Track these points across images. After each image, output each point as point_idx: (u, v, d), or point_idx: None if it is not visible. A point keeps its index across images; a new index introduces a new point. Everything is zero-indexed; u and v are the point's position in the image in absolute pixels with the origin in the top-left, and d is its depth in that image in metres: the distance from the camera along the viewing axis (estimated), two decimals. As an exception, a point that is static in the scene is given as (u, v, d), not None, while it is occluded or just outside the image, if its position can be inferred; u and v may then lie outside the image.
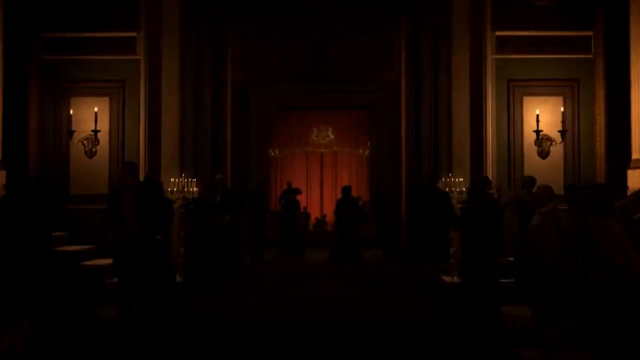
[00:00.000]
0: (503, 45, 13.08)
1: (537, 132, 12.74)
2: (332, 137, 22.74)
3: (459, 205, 12.07)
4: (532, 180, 10.23)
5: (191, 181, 12.46)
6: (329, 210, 21.99)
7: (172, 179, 12.21)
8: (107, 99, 13.01)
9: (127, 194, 9.74)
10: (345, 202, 15.35)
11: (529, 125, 12.99)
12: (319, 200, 23.91)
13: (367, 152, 22.47)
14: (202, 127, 13.32)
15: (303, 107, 21.94)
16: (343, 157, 23.62)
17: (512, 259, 10.62)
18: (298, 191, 17.99)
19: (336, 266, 14.47)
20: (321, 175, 23.79)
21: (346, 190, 15.58)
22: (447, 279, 11.90)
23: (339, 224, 15.59)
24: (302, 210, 20.28)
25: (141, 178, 11.63)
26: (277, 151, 22.63)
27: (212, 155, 13.34)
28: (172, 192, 12.06)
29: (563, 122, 12.78)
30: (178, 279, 11.55)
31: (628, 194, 9.88)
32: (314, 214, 23.49)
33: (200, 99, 13.35)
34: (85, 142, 12.89)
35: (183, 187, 12.32)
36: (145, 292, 9.62)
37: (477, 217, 9.41)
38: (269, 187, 22.25)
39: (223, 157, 13.53)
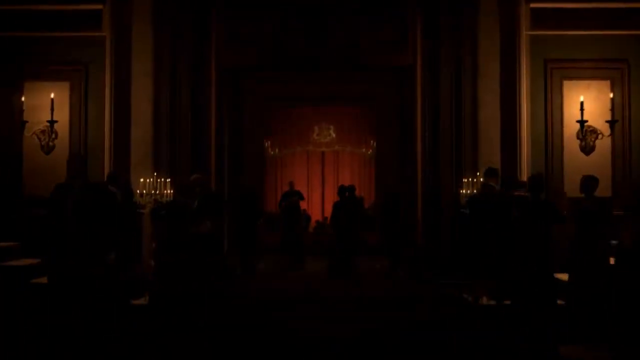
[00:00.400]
0: (539, 19, 10.53)
1: (582, 122, 10.05)
2: (334, 135, 21.08)
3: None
4: (592, 180, 7.54)
5: (165, 182, 9.76)
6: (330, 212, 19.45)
7: (141, 179, 9.52)
8: (66, 84, 10.57)
9: (71, 197, 7.06)
10: (343, 203, 12.70)
11: (570, 115, 10.45)
12: (320, 202, 21.94)
13: (369, 152, 20.63)
14: (181, 119, 10.62)
15: (301, 98, 19.62)
16: (345, 157, 21.82)
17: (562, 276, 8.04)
18: (300, 196, 15.66)
19: (335, 283, 11.72)
20: (322, 176, 21.94)
21: (343, 190, 12.99)
22: (472, 299, 9.27)
23: (336, 230, 12.87)
24: (302, 212, 17.84)
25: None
26: (276, 150, 20.92)
27: (192, 152, 10.61)
28: (141, 194, 9.39)
29: (612, 110, 10.11)
30: (144, 300, 8.87)
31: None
32: (315, 216, 21.44)
33: (178, 85, 10.67)
34: (41, 134, 10.26)
35: (155, 189, 9.62)
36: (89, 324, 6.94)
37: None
38: (264, 188, 20.30)
39: (206, 153, 10.80)
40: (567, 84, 10.50)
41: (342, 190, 13.13)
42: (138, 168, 10.11)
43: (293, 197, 15.56)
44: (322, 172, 21.92)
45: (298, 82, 15.89)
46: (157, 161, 10.28)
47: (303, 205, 17.50)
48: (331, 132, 21.08)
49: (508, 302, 8.00)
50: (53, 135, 10.26)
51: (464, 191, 9.95)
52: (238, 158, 14.73)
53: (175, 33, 10.53)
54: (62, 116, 10.32)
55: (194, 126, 10.67)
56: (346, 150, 21.38)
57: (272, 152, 20.74)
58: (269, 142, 20.52)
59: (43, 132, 10.32)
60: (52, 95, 10.07)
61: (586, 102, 10.16)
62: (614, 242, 7.15)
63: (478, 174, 9.89)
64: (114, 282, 7.65)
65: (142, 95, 10.32)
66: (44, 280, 9.03)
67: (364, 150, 20.95)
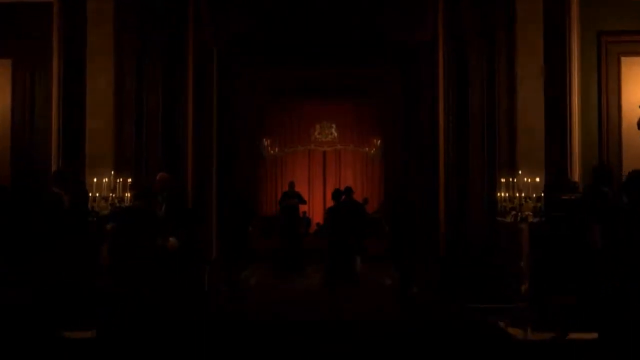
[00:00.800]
0: (591, -18, 8.26)
1: (645, 107, 7.58)
2: (336, 134, 19.44)
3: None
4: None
5: (127, 183, 7.26)
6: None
7: (95, 179, 7.03)
8: (7, 61, 8.14)
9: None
10: (339, 208, 10.55)
11: (630, 99, 8.12)
12: (321, 203, 19.68)
13: (373, 150, 18.90)
14: (150, 107, 8.11)
15: (300, 90, 17.18)
16: (347, 156, 19.92)
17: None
18: (300, 199, 13.83)
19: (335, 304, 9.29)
20: (324, 176, 19.92)
21: (338, 194, 10.87)
22: (516, 332, 6.88)
23: (331, 240, 10.65)
24: (301, 215, 16.07)
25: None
26: (276, 149, 19.17)
27: (164, 147, 8.07)
28: (94, 198, 6.94)
29: (681, 92, 7.67)
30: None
31: None
32: (317, 218, 19.50)
33: (148, 66, 8.15)
34: (-26, 124, 7.82)
35: (113, 191, 7.15)
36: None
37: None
38: (261, 190, 18.70)
39: (182, 149, 8.27)
40: (625, 62, 8.17)
41: (337, 194, 10.89)
42: (95, 165, 7.62)
43: (292, 199, 13.61)
44: (323, 173, 19.92)
45: (297, 69, 13.49)
46: (119, 157, 7.75)
47: (303, 207, 15.92)
48: (333, 130, 19.34)
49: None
50: (-11, 126, 7.82)
51: (501, 194, 7.42)
52: (230, 157, 12.31)
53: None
54: (2, 100, 7.99)
55: (166, 116, 8.14)
56: (348, 149, 19.56)
57: (271, 151, 18.92)
58: (269, 141, 18.69)
59: (-23, 120, 7.93)
60: (-13, 76, 7.68)
61: (649, 82, 7.80)
62: None
63: (520, 172, 7.34)
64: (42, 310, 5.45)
65: (100, 76, 7.84)
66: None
67: (367, 149, 19.12)
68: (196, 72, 8.82)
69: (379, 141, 18.56)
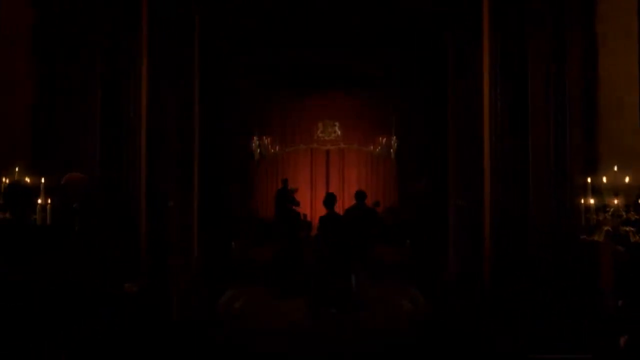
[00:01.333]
0: None
1: None
2: (339, 132, 18.02)
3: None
4: None
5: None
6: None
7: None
8: None
9: None
10: (334, 219, 7.91)
11: None
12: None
13: (378, 149, 17.11)
14: (88, 82, 5.51)
15: (301, 81, 15.38)
16: (351, 156, 18.39)
17: None
18: (294, 201, 12.09)
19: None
20: (327, 177, 18.33)
21: (331, 199, 8.12)
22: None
23: (326, 254, 7.93)
24: (302, 218, 14.07)
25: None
26: (277, 148, 17.58)
27: (103, 143, 5.48)
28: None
29: None
30: None
31: None
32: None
33: (75, 25, 5.53)
34: None
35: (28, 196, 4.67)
36: None
37: None
38: (258, 190, 16.94)
39: (132, 145, 5.69)
40: None
41: (329, 199, 8.07)
42: (7, 163, 5.08)
43: (289, 204, 12.01)
44: (326, 173, 18.26)
45: (297, 60, 11.31)
46: (41, 152, 5.19)
47: (305, 209, 14.99)
48: (336, 128, 17.92)
49: None
50: None
51: (584, 201, 4.79)
52: (221, 156, 10.03)
53: None
54: None
55: (108, 94, 5.56)
56: (352, 148, 18.00)
57: (272, 150, 17.32)
58: (269, 139, 17.08)
59: None
60: None
61: None
62: None
63: (616, 168, 4.75)
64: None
65: (12, 42, 5.24)
66: None
67: (372, 147, 17.44)
68: (162, 43, 6.28)
69: (384, 139, 16.75)
